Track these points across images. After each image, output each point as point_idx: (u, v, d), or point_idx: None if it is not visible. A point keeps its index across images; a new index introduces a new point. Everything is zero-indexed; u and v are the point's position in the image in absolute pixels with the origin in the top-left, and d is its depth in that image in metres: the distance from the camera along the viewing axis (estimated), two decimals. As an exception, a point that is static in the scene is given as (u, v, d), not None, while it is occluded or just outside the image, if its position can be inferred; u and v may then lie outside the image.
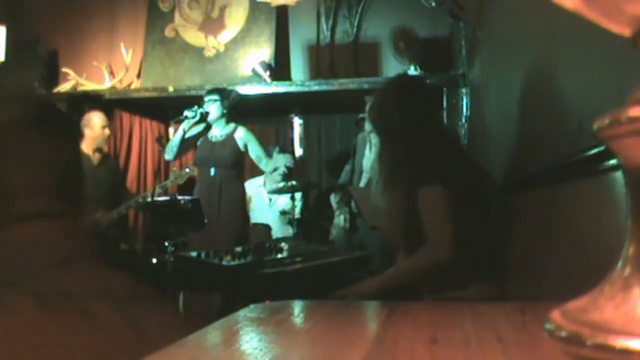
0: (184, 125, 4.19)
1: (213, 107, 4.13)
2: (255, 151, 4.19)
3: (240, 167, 4.26)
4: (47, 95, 5.05)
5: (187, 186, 4.47)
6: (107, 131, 4.38)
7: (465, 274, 1.97)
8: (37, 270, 0.73)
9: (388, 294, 1.99)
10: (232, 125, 4.19)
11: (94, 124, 4.31)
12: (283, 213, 4.59)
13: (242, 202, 4.27)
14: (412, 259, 2.01)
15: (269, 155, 4.52)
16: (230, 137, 4.17)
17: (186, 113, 4.13)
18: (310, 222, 4.70)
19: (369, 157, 3.79)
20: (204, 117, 4.15)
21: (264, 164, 4.29)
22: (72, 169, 0.84)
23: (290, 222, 4.46)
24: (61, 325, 0.68)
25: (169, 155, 4.32)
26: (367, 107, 2.23)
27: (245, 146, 4.19)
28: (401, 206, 2.02)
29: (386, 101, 2.15)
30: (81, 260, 0.78)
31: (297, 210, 4.63)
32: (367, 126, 3.74)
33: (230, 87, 4.53)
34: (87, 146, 4.32)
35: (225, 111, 4.15)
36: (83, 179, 0.89)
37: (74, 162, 0.85)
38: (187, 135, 4.23)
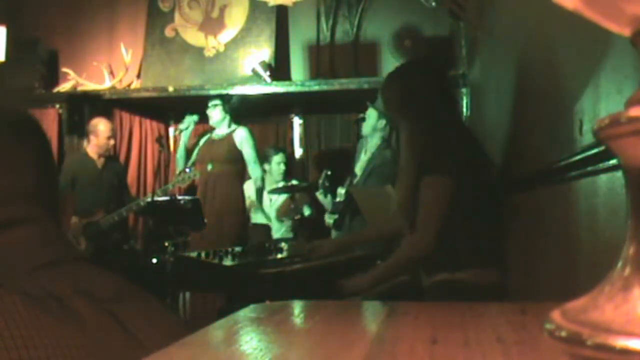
0: (183, 137, 4.35)
1: (215, 112, 4.23)
2: (247, 153, 4.27)
3: (237, 164, 4.30)
4: (47, 95, 5.05)
5: (188, 187, 4.49)
6: (111, 142, 4.44)
7: (462, 258, 2.01)
8: (21, 272, 0.73)
9: (390, 288, 2.07)
10: (234, 126, 4.28)
11: (100, 132, 4.35)
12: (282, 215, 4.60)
13: (238, 199, 4.31)
14: (397, 253, 2.11)
15: (264, 160, 4.61)
16: (229, 136, 4.23)
17: (180, 127, 4.36)
18: (310, 222, 4.70)
19: (363, 160, 3.81)
20: (197, 122, 4.34)
21: (251, 168, 4.38)
22: (46, 172, 0.84)
23: (291, 222, 4.47)
24: (48, 324, 0.68)
25: (179, 165, 4.50)
26: (381, 89, 2.26)
27: (242, 145, 4.26)
28: (409, 188, 2.05)
29: (400, 82, 2.17)
30: (64, 262, 0.78)
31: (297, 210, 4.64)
32: (365, 129, 3.75)
33: (230, 89, 4.60)
34: (91, 151, 4.38)
35: (226, 114, 4.25)
36: (58, 182, 0.89)
37: (47, 166, 0.85)
38: (189, 145, 4.43)
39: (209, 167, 4.24)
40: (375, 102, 3.74)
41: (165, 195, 4.29)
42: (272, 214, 4.73)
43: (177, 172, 4.51)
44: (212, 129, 4.36)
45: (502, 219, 2.18)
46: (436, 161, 1.99)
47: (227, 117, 4.27)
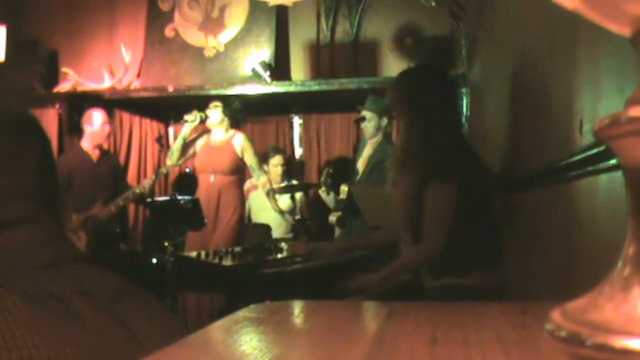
0: (184, 129, 4.26)
1: (214, 113, 4.17)
2: (249, 161, 4.22)
3: (239, 173, 4.26)
4: (47, 95, 5.06)
5: (188, 190, 4.47)
6: (107, 128, 4.38)
7: (466, 263, 2.05)
8: (21, 272, 0.73)
9: (391, 287, 2.11)
10: (231, 131, 4.22)
11: (95, 120, 4.32)
12: (282, 213, 4.60)
13: (240, 210, 4.27)
14: (405, 258, 2.16)
15: (263, 160, 4.59)
16: (228, 143, 4.18)
17: (186, 117, 4.21)
18: (310, 222, 4.70)
19: (364, 156, 3.80)
20: (203, 122, 4.24)
21: (255, 175, 4.33)
22: (46, 172, 0.84)
23: (291, 222, 4.47)
24: (49, 324, 0.68)
25: (171, 159, 4.38)
26: (389, 92, 2.29)
27: (242, 152, 4.22)
28: (411, 195, 2.07)
29: (407, 88, 2.19)
30: (64, 262, 0.78)
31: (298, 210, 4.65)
32: (368, 129, 3.75)
33: (230, 89, 4.58)
34: (87, 143, 4.33)
35: (225, 117, 4.18)
36: (58, 182, 0.89)
37: (47, 166, 0.84)
38: (188, 140, 4.32)
39: (212, 178, 4.19)
40: (364, 105, 3.76)
41: (163, 175, 4.24)
42: (273, 214, 4.73)
43: (169, 161, 4.44)
44: (207, 130, 4.30)
45: (499, 222, 2.21)
46: (440, 170, 2.02)
47: (226, 121, 4.21)
